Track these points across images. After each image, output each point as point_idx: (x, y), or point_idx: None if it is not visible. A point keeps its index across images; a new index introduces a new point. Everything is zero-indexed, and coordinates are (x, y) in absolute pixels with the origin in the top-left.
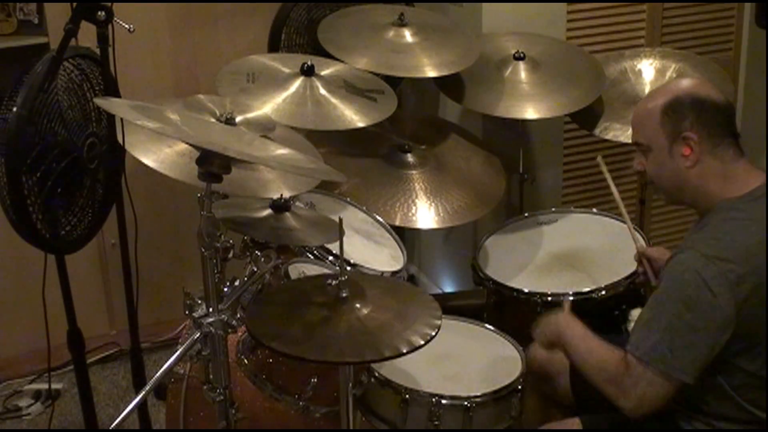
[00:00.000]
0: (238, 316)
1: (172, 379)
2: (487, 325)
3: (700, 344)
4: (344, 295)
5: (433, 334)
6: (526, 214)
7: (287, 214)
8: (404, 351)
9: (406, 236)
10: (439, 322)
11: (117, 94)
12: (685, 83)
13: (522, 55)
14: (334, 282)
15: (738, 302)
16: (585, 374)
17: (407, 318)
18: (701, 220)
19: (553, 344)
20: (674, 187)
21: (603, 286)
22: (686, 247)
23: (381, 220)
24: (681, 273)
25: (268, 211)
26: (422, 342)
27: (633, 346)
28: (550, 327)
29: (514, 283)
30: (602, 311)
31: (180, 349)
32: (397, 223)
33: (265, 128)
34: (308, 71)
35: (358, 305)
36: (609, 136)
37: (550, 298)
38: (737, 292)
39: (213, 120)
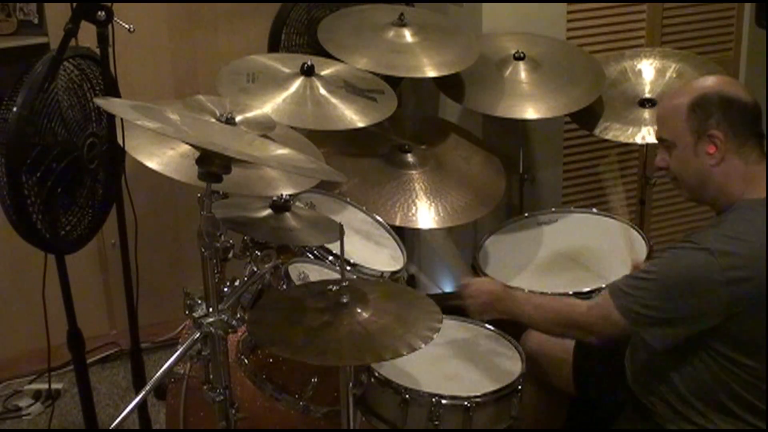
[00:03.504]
0: (238, 316)
1: (172, 379)
2: (487, 325)
3: (676, 325)
4: (345, 300)
5: (434, 337)
6: (526, 214)
7: (287, 214)
8: (404, 354)
9: (406, 236)
10: (439, 325)
11: (117, 94)
12: (713, 80)
13: (522, 55)
14: (334, 287)
15: (733, 302)
16: (543, 329)
17: (408, 321)
18: (717, 218)
19: (487, 314)
20: (697, 184)
21: (603, 286)
22: (696, 239)
23: (381, 220)
24: (680, 261)
25: (268, 211)
26: (422, 345)
27: (615, 294)
28: (482, 299)
29: (514, 283)
30: None
31: (180, 349)
32: (397, 223)
33: (265, 128)
34: (308, 71)
35: (358, 309)
36: (609, 136)
37: None
38: (734, 292)
39: (213, 120)
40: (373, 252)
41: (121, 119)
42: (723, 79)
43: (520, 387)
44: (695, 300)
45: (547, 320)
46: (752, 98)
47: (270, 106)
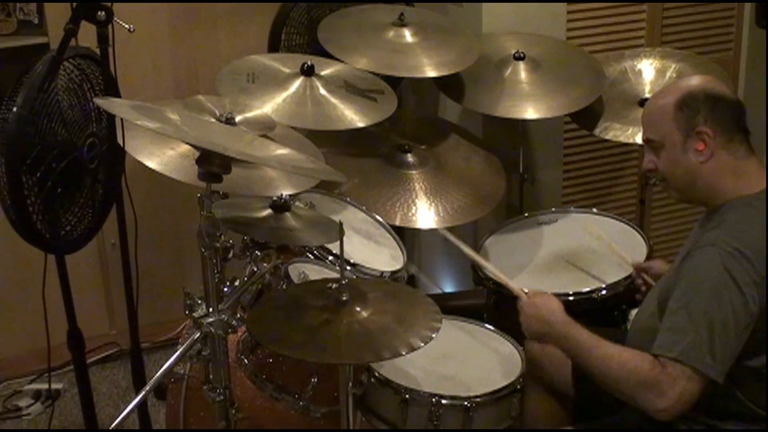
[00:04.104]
0: (238, 316)
1: (172, 379)
2: (487, 325)
3: (732, 340)
4: (345, 298)
5: (433, 336)
6: (526, 214)
7: (287, 214)
8: (403, 354)
9: (406, 236)
10: (439, 325)
11: (117, 94)
12: (697, 80)
13: (522, 55)
14: (334, 286)
15: (761, 301)
16: (606, 382)
17: (407, 321)
18: (712, 217)
19: (544, 340)
20: (686, 183)
21: (603, 286)
22: (706, 243)
23: (381, 220)
24: (707, 270)
25: (268, 211)
26: (422, 344)
27: (665, 348)
28: (541, 327)
29: (514, 283)
30: (602, 311)
31: (180, 349)
32: (397, 223)
33: (265, 128)
34: (308, 71)
35: (358, 308)
36: (609, 136)
37: None
38: (760, 291)
39: (213, 120)
40: (373, 252)
41: (121, 119)
42: (706, 78)
43: (520, 387)
44: (736, 305)
45: (619, 375)
46: (735, 95)
47: (270, 106)
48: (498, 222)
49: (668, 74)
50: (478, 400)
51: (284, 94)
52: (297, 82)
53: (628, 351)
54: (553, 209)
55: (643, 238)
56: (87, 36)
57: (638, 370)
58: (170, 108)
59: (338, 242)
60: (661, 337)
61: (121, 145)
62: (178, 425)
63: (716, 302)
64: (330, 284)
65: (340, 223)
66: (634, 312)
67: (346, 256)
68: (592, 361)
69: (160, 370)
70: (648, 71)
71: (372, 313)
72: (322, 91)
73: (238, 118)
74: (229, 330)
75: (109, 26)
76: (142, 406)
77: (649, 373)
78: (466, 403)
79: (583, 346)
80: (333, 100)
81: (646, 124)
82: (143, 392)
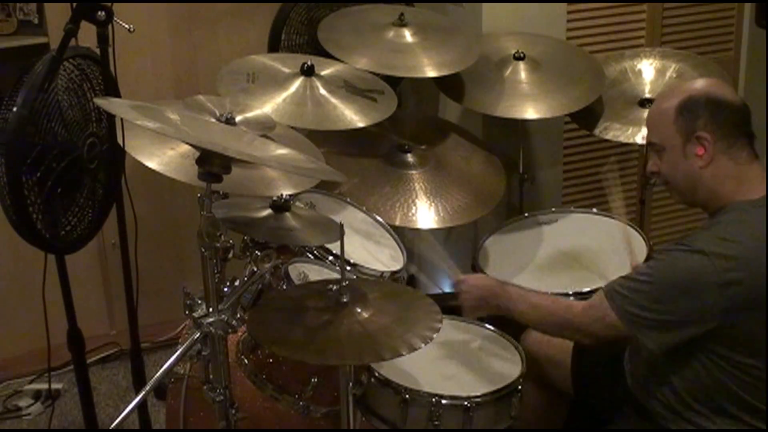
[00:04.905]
0: (238, 316)
1: (172, 379)
2: (487, 325)
3: (672, 327)
4: (345, 300)
5: (433, 336)
6: (526, 214)
7: (287, 214)
8: (404, 354)
9: (406, 236)
10: (439, 325)
11: (117, 94)
12: (700, 83)
13: (522, 55)
14: (334, 287)
15: (728, 304)
16: (539, 329)
17: (408, 321)
18: (711, 220)
19: (481, 310)
20: (688, 187)
21: (602, 286)
22: (690, 241)
23: (381, 220)
24: (676, 263)
25: (268, 211)
26: (422, 345)
27: (611, 296)
28: (476, 293)
29: (514, 283)
30: None
31: (180, 349)
32: (397, 223)
33: (265, 128)
34: (308, 71)
35: (358, 309)
36: (609, 136)
37: None
38: (730, 294)
39: (213, 120)
40: (373, 252)
41: (121, 119)
42: (710, 81)
43: (519, 387)
44: (691, 302)
45: (543, 320)
46: (740, 99)
47: (270, 106)
48: (498, 222)
49: (668, 74)
50: (478, 400)
51: (284, 94)
52: (297, 82)
53: (546, 298)
54: (553, 209)
55: (643, 238)
56: (87, 36)
57: (554, 313)
58: (170, 108)
59: (338, 242)
60: (613, 283)
61: (121, 145)
62: (178, 425)
63: (668, 293)
64: (330, 286)
65: (341, 225)
66: None
67: (346, 256)
68: (525, 315)
69: (160, 370)
70: (648, 71)
71: (372, 314)
72: (322, 91)
73: (238, 118)
74: (229, 330)
75: (109, 26)
76: (142, 406)
77: (563, 315)
78: (466, 403)
79: (514, 301)
80: (333, 100)
81: (649, 127)
82: (143, 392)
